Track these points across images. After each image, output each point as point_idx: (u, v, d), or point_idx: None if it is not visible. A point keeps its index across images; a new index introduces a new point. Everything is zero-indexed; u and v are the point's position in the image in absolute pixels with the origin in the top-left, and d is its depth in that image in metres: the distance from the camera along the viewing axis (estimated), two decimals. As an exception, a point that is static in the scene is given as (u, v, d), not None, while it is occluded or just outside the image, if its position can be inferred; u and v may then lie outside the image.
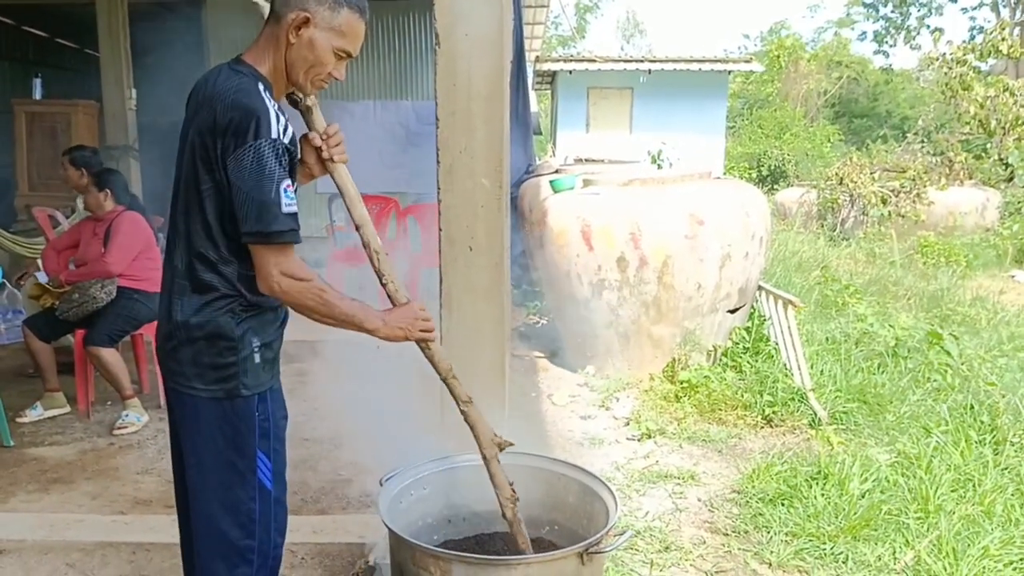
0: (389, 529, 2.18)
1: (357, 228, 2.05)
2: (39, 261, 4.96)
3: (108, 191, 4.54)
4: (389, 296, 2.09)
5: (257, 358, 1.97)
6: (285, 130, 1.86)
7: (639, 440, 4.26)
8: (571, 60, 18.62)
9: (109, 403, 4.65)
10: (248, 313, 1.95)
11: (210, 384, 1.94)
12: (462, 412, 2.18)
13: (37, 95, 8.79)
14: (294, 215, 1.85)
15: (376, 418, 3.71)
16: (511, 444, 2.23)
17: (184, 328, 1.92)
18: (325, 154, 2.03)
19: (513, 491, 2.25)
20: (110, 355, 4.34)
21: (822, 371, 4.90)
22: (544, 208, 5.47)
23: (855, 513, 3.24)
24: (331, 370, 5.22)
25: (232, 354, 1.93)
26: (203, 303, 1.91)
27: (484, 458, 2.22)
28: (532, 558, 2.23)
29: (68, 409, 4.56)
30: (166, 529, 3.10)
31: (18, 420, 4.38)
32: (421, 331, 2.06)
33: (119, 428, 4.30)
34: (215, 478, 1.98)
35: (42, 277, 4.76)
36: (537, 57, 16.76)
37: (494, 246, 3.15)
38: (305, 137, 2.05)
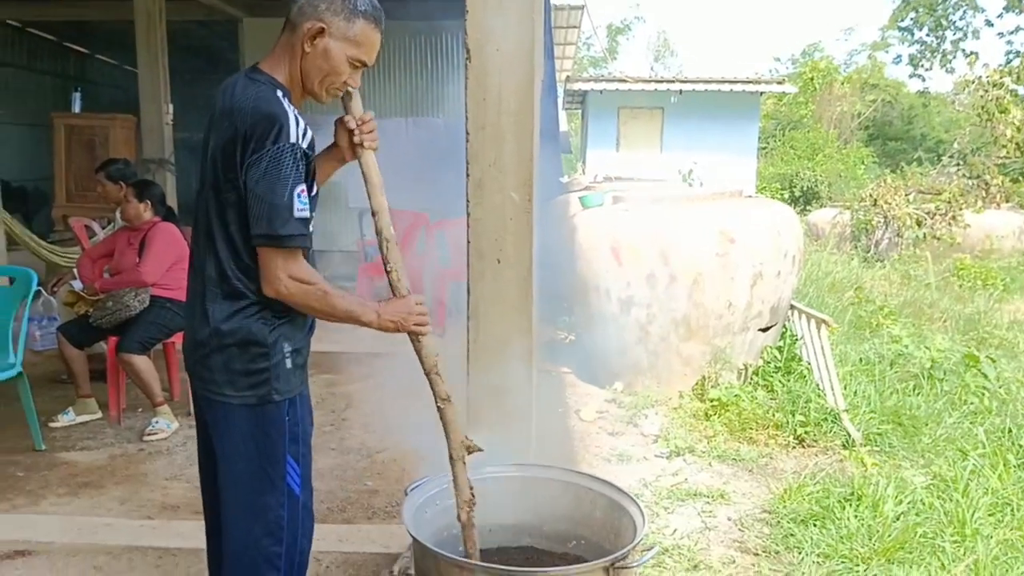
0: (413, 538, 2.17)
1: (373, 214, 2.05)
2: (75, 269, 5.03)
3: (148, 202, 4.62)
4: (391, 285, 2.08)
5: (288, 363, 1.98)
6: (304, 134, 1.87)
7: (668, 458, 4.21)
8: (602, 80, 18.65)
9: (140, 410, 4.70)
10: (280, 319, 1.95)
11: (242, 390, 1.94)
12: (439, 409, 2.17)
13: (76, 109, 8.98)
14: (305, 220, 1.86)
15: (404, 429, 3.71)
16: (480, 449, 2.23)
17: (216, 335, 1.92)
18: (357, 138, 2.02)
19: (472, 495, 2.23)
20: (142, 362, 4.39)
21: (856, 392, 4.82)
22: (573, 224, 5.46)
23: (889, 535, 3.16)
24: (360, 381, 5.25)
25: (264, 360, 1.93)
26: (235, 310, 1.91)
27: (451, 458, 2.21)
28: (557, 571, 2.21)
29: (100, 415, 4.60)
30: (193, 535, 3.11)
31: (50, 425, 4.43)
32: (415, 324, 2.05)
33: (149, 434, 4.34)
34: (246, 484, 1.98)
35: (77, 284, 4.84)
36: (568, 77, 16.80)
37: (522, 259, 3.14)
38: (340, 120, 2.05)
